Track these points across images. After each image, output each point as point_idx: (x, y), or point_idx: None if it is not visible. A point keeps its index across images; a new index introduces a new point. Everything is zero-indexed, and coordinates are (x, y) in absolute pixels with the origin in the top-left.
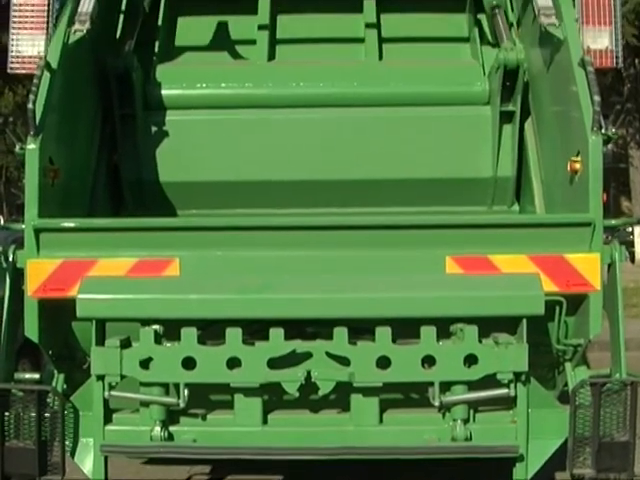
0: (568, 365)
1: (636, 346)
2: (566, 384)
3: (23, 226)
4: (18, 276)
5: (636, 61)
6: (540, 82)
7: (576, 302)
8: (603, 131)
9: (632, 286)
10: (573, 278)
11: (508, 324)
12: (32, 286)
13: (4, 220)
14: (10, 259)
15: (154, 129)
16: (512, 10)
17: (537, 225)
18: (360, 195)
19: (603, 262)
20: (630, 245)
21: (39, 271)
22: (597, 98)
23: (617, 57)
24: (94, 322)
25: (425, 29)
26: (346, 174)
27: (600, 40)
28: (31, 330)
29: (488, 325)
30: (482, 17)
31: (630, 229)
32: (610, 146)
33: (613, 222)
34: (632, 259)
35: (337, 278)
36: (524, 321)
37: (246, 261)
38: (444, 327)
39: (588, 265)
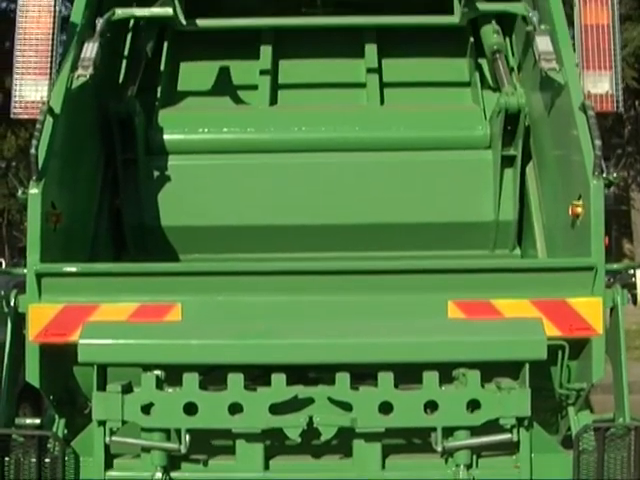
0: (571, 409)
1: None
2: (569, 429)
3: (25, 270)
4: (19, 320)
5: (636, 103)
6: (541, 126)
7: (579, 346)
8: (604, 175)
9: (635, 328)
10: (576, 322)
11: (510, 368)
12: (33, 331)
13: (6, 263)
14: (12, 303)
15: (156, 174)
16: (513, 55)
17: (539, 269)
18: (362, 239)
19: (605, 306)
20: (632, 287)
21: (41, 316)
22: (598, 142)
23: (618, 101)
24: (95, 367)
25: (426, 74)
26: (348, 218)
27: (600, 85)
28: (32, 375)
29: (491, 370)
30: (483, 62)
31: (632, 271)
32: (611, 188)
33: (615, 266)
34: (634, 301)
35: (339, 323)
36: (526, 366)
37: (248, 306)
38: (446, 372)
39: (590, 309)
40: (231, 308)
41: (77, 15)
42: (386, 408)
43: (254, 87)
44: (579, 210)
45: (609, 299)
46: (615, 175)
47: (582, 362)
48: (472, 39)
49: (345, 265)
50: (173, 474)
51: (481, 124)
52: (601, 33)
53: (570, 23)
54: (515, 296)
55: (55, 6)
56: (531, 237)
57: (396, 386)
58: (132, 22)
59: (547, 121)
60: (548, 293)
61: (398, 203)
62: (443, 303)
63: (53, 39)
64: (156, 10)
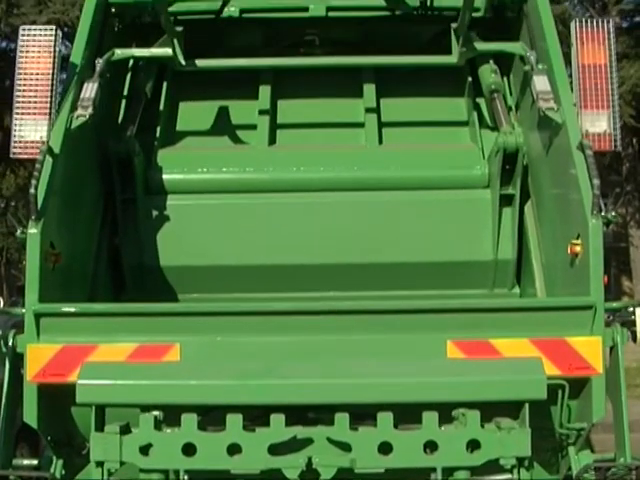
0: (571, 449)
1: None
2: (570, 468)
3: (23, 310)
4: (18, 360)
5: (634, 141)
6: (539, 165)
7: (578, 385)
8: (603, 214)
9: (635, 366)
10: (575, 361)
11: (510, 408)
12: (32, 371)
13: (4, 302)
14: (10, 344)
15: (155, 213)
16: (511, 94)
17: (538, 309)
18: (361, 278)
19: (605, 345)
20: (632, 324)
21: (39, 356)
22: (596, 181)
23: (616, 140)
24: (94, 408)
25: (425, 113)
26: (347, 258)
27: (598, 124)
28: (30, 416)
29: (490, 409)
30: (481, 101)
31: (631, 309)
32: (610, 226)
33: (614, 305)
34: (634, 338)
35: (338, 363)
36: (526, 405)
37: (246, 346)
38: (446, 412)
39: (590, 348)
40: (230, 348)
41: (77, 55)
42: (386, 448)
43: (253, 127)
44: (578, 249)
45: (609, 338)
46: (614, 214)
47: (582, 401)
48: (470, 78)
49: (344, 305)
50: None
51: (479, 163)
52: (598, 73)
53: (567, 62)
54: (514, 335)
55: (55, 46)
56: (530, 276)
57: (395, 426)
58: (131, 62)
59: (545, 160)
60: (547, 332)
61: (397, 242)
62: (442, 343)
63: (53, 79)
64: (155, 50)
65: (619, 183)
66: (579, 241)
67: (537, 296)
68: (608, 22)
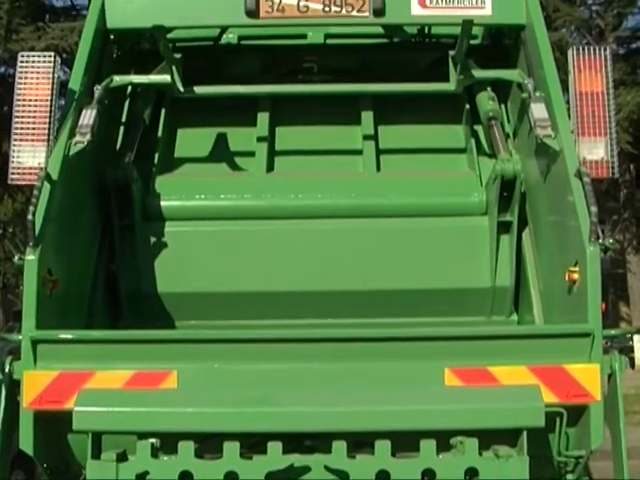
0: (570, 477)
1: (639, 454)
2: None
3: (20, 337)
4: (14, 387)
5: (631, 167)
6: (537, 192)
7: (577, 413)
8: (601, 241)
9: (633, 392)
10: (573, 389)
11: (508, 436)
12: (28, 398)
13: (1, 326)
14: (6, 370)
15: (153, 240)
16: (508, 121)
17: (536, 336)
18: (358, 306)
19: (603, 372)
20: (630, 351)
21: (36, 383)
22: (594, 209)
23: (613, 167)
24: (90, 435)
25: (422, 140)
26: (344, 285)
27: (596, 151)
28: (26, 443)
29: (488, 437)
30: (478, 128)
31: (629, 335)
32: (608, 252)
33: (612, 332)
34: (632, 365)
35: (335, 391)
36: (524, 433)
37: (244, 373)
38: (444, 440)
39: (588, 376)
40: (227, 375)
41: (75, 82)
42: (383, 476)
43: (251, 154)
44: (576, 276)
45: (607, 365)
46: (611, 241)
47: (580, 429)
48: (468, 106)
49: (341, 332)
50: None
51: (477, 190)
52: (596, 100)
53: (565, 88)
54: (512, 363)
55: (54, 73)
56: (528, 303)
57: (393, 454)
58: (130, 88)
59: (543, 187)
60: (545, 360)
61: (394, 270)
62: (440, 370)
63: (51, 105)
64: (154, 77)
65: (616, 209)
66: (577, 268)
67: (535, 323)
68: (605, 50)
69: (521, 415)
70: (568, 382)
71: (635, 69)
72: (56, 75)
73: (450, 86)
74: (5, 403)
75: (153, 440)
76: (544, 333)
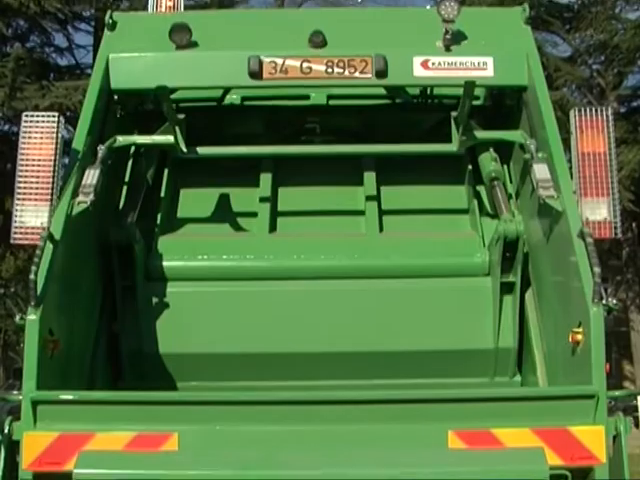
0: None
1: None
2: None
3: (20, 397)
4: (13, 447)
5: (633, 225)
6: (540, 253)
7: (582, 475)
8: (604, 302)
9: (638, 452)
10: (578, 451)
11: None
12: (27, 459)
13: (1, 384)
14: (6, 431)
15: (155, 300)
16: (511, 182)
17: (540, 398)
18: (361, 367)
19: (608, 434)
20: (634, 410)
21: (35, 444)
22: (597, 269)
23: (616, 227)
24: None
25: (425, 201)
26: (347, 346)
27: (599, 211)
28: None
29: None
30: (481, 188)
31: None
32: None
33: (617, 393)
34: (636, 424)
35: (338, 453)
36: None
37: (246, 436)
38: None
39: (593, 437)
40: (229, 438)
41: (79, 142)
42: None
43: (254, 214)
44: (579, 337)
45: (612, 427)
46: (615, 302)
47: None
48: (470, 166)
49: (344, 395)
50: None
51: (480, 251)
52: (598, 160)
53: (566, 147)
54: (516, 425)
55: (57, 132)
56: (531, 364)
57: None
58: (133, 148)
59: (546, 248)
60: (549, 421)
61: (397, 330)
62: (443, 433)
63: (55, 165)
64: (157, 138)
65: (619, 267)
66: (580, 329)
67: (539, 385)
68: (607, 110)
69: (525, 478)
70: (573, 444)
71: (636, 127)
72: (60, 135)
73: (452, 147)
74: (4, 464)
75: None
76: (548, 395)
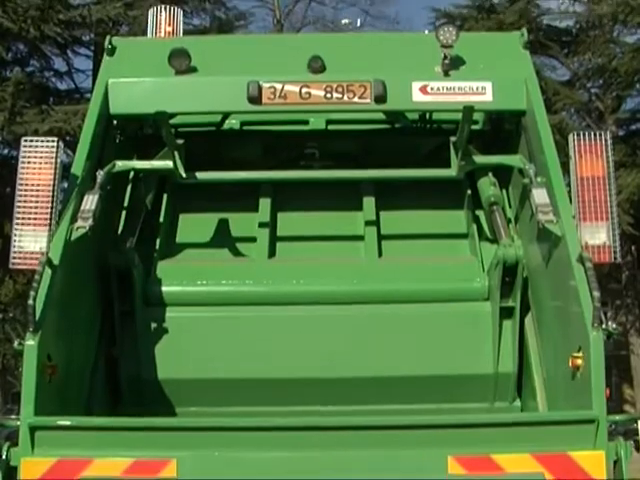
0: None
1: None
2: None
3: (18, 422)
4: (11, 473)
5: (633, 248)
6: (539, 278)
7: None
8: (604, 326)
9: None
10: (578, 476)
11: None
12: None
13: None
14: (4, 456)
15: (154, 325)
16: (510, 206)
17: (540, 423)
18: (361, 392)
19: (609, 459)
20: (634, 433)
21: (33, 470)
22: (597, 294)
23: (615, 252)
24: None
25: (424, 225)
26: (346, 371)
27: (598, 236)
28: None
29: None
30: (480, 213)
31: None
32: None
33: (617, 418)
34: (637, 447)
35: (337, 479)
36: None
37: (245, 462)
38: None
39: (593, 463)
40: (227, 464)
41: (78, 167)
42: None
43: (253, 239)
44: (579, 362)
45: (612, 452)
46: (614, 326)
47: None
48: (469, 191)
49: (344, 421)
50: None
51: (479, 276)
52: (597, 185)
53: (565, 171)
54: (516, 450)
55: (56, 157)
56: (531, 389)
57: None
58: (132, 174)
59: (545, 272)
60: (549, 447)
61: (397, 356)
62: (443, 458)
63: (54, 190)
64: (156, 163)
65: (619, 291)
66: (580, 354)
67: (538, 409)
68: (605, 134)
69: None
70: (573, 469)
71: (635, 150)
72: (58, 160)
73: (451, 172)
74: None
75: None
76: (548, 420)
